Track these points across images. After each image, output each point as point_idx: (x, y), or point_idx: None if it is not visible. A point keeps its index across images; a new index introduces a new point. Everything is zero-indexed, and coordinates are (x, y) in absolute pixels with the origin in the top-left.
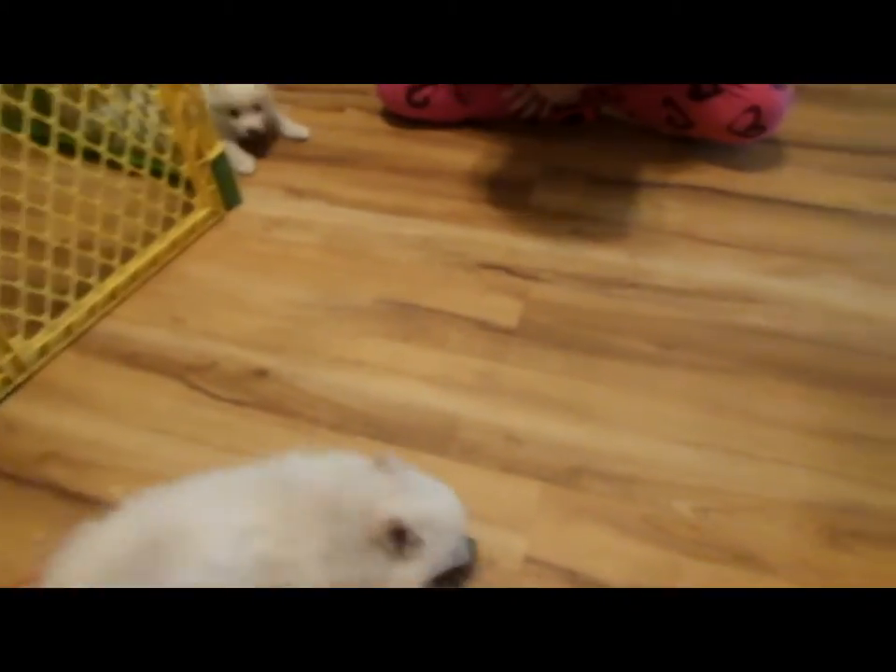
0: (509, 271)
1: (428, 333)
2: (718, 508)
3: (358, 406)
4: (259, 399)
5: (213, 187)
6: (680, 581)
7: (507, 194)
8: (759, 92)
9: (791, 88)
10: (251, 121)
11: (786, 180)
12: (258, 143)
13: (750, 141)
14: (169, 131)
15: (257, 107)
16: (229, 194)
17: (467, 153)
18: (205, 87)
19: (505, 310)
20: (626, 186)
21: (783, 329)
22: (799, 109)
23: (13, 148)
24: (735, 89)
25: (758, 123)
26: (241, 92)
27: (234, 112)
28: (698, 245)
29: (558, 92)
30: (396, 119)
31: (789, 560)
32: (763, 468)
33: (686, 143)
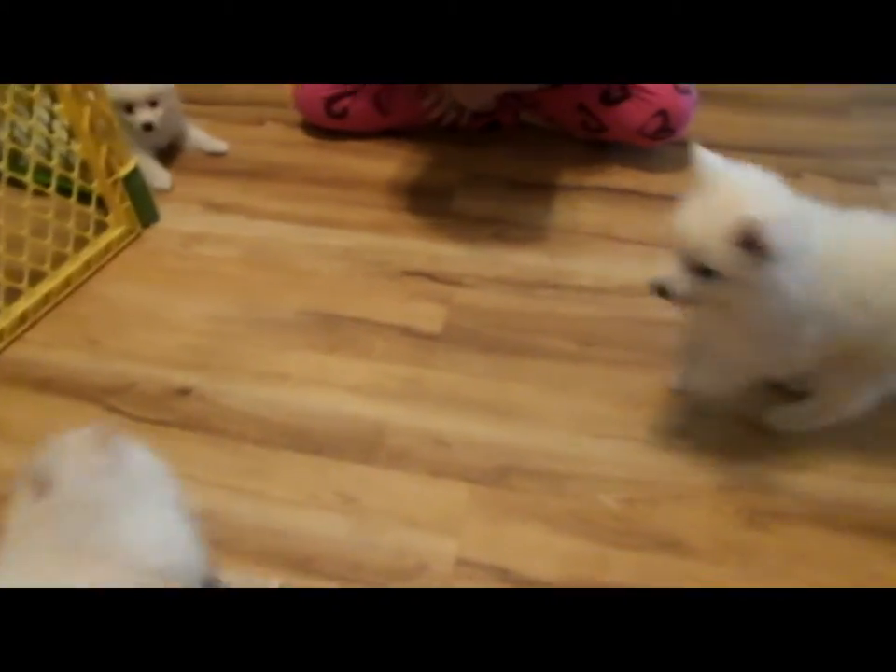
0: (431, 277)
1: (353, 343)
2: (641, 498)
3: (284, 419)
4: (182, 417)
5: (127, 204)
6: (609, 572)
7: (427, 201)
8: (665, 97)
9: (695, 92)
10: (146, 116)
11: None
12: (172, 156)
13: (660, 143)
14: (76, 147)
15: (152, 103)
16: (144, 211)
17: (387, 162)
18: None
19: (429, 316)
20: (545, 189)
21: None
22: (704, 112)
23: None
24: (642, 94)
25: (666, 126)
26: (135, 87)
27: (129, 107)
28: (615, 245)
29: (476, 100)
30: (316, 130)
31: (711, 544)
32: (681, 456)
33: (601, 147)
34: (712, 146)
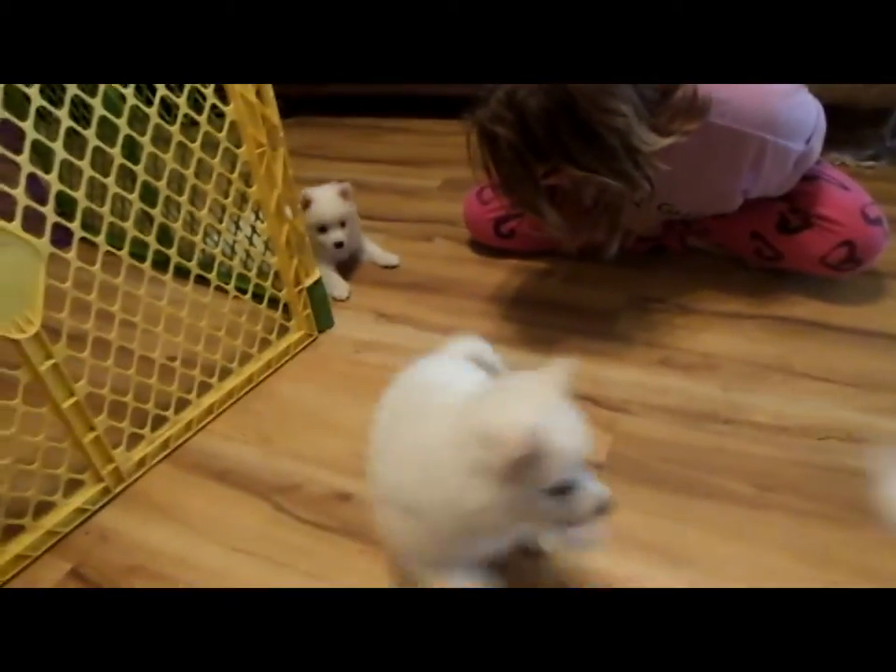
0: (595, 402)
1: None
2: None
3: None
4: (341, 523)
5: (308, 311)
6: None
7: (592, 322)
8: (853, 227)
9: (885, 222)
10: (338, 235)
11: (886, 313)
12: (350, 268)
13: (846, 275)
14: (272, 259)
15: (342, 223)
16: (322, 318)
17: (551, 281)
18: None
19: (593, 442)
20: (716, 316)
21: None
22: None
23: (136, 275)
24: (825, 223)
25: (853, 257)
26: (330, 211)
27: (323, 228)
28: (795, 380)
29: (643, 223)
30: (483, 248)
31: None
32: None
33: (775, 274)
34: None
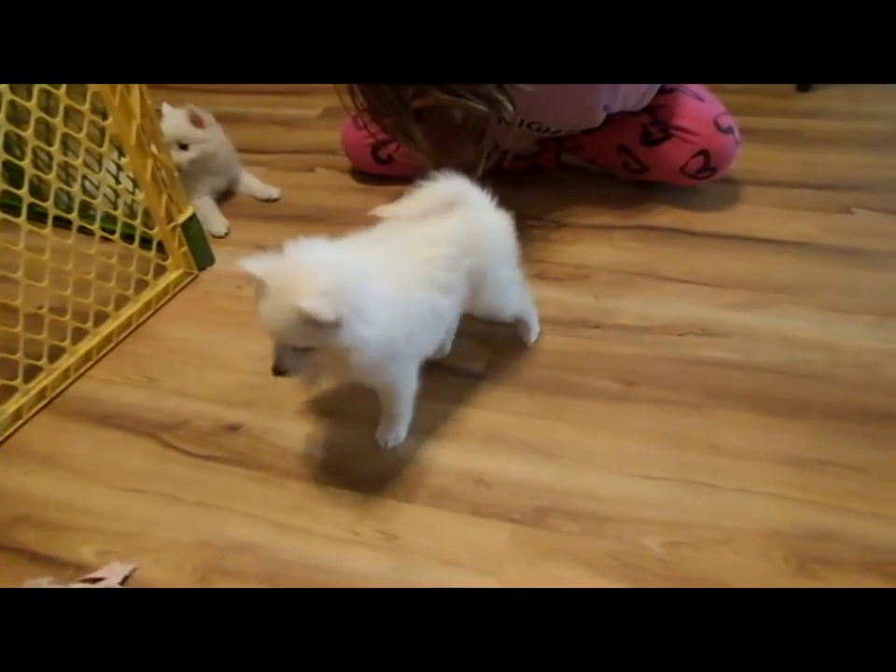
0: (474, 317)
1: None
2: (686, 542)
3: (328, 456)
4: (231, 454)
5: (184, 248)
6: None
7: None
8: (706, 137)
9: (737, 131)
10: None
11: (741, 217)
12: (230, 203)
13: (704, 182)
14: (140, 196)
15: (182, 146)
16: (200, 255)
17: None
18: None
19: (472, 355)
20: (588, 229)
21: (743, 361)
22: (752, 149)
23: None
24: (682, 134)
25: (708, 165)
26: (167, 129)
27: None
28: (659, 284)
29: (518, 143)
30: (363, 176)
31: None
32: (728, 498)
33: (644, 186)
34: (758, 183)
